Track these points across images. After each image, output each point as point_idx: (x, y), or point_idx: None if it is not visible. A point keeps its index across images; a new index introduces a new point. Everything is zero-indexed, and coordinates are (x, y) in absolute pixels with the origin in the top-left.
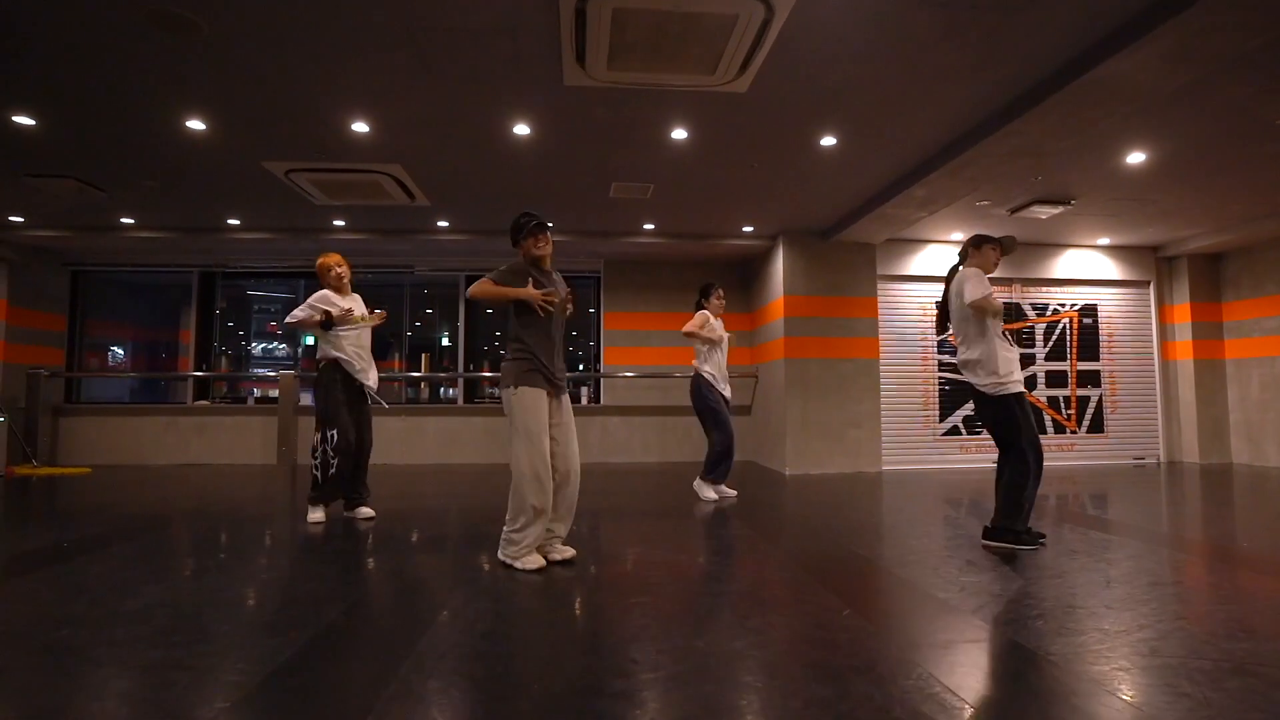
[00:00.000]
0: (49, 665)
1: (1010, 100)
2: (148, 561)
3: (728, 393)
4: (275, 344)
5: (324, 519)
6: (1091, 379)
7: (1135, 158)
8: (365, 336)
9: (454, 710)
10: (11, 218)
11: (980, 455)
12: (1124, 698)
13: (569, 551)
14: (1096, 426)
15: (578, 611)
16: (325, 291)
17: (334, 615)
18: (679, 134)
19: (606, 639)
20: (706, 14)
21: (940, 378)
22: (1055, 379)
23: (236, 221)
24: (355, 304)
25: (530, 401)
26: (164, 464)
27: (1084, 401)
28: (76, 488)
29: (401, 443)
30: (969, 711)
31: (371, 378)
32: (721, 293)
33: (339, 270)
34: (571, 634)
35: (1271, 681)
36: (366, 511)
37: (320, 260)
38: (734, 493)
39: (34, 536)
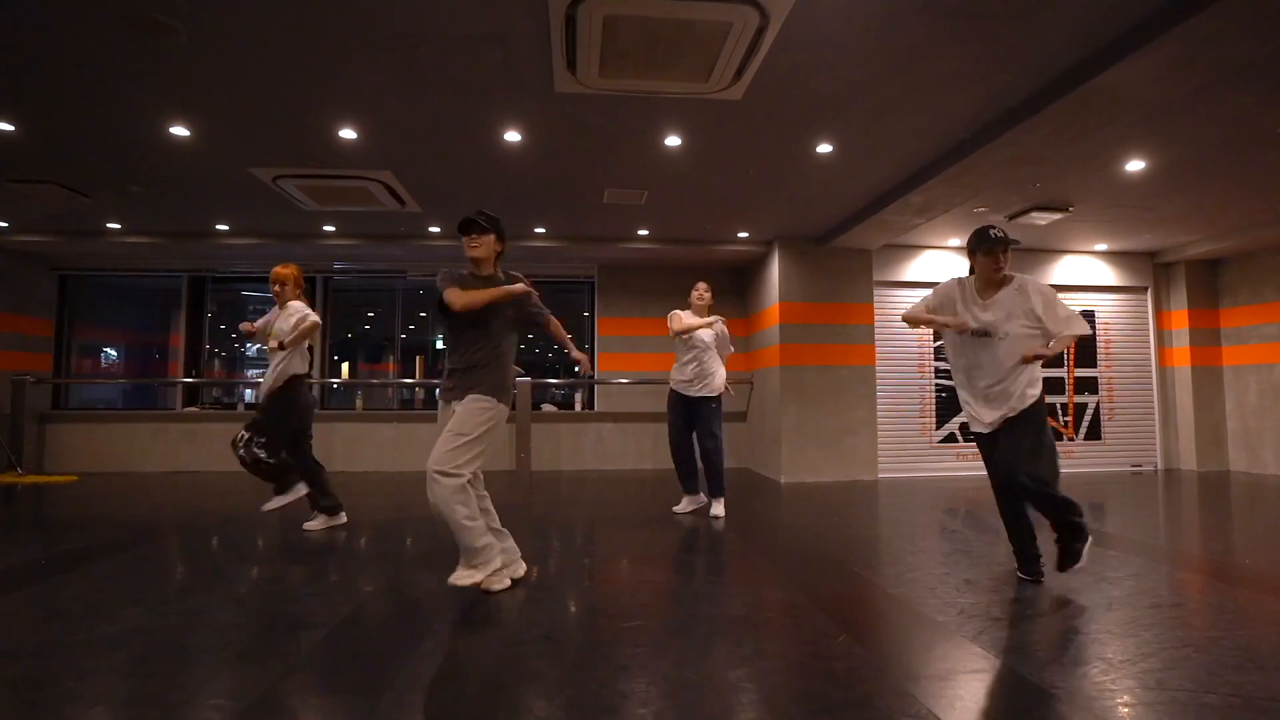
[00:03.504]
0: (15, 703)
1: (1010, 108)
2: (129, 580)
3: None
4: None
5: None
6: (1089, 386)
7: (1135, 165)
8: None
9: None
10: None
11: (977, 462)
12: (1085, 709)
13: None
14: (1094, 433)
15: (570, 631)
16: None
17: (320, 637)
18: (673, 140)
19: (597, 669)
20: (700, 21)
21: (937, 384)
22: (1052, 386)
23: (225, 227)
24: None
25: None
26: (153, 471)
27: (1081, 408)
28: (62, 497)
29: (394, 449)
30: None
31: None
32: (703, 288)
33: (276, 289)
34: (563, 655)
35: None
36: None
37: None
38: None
39: (13, 552)
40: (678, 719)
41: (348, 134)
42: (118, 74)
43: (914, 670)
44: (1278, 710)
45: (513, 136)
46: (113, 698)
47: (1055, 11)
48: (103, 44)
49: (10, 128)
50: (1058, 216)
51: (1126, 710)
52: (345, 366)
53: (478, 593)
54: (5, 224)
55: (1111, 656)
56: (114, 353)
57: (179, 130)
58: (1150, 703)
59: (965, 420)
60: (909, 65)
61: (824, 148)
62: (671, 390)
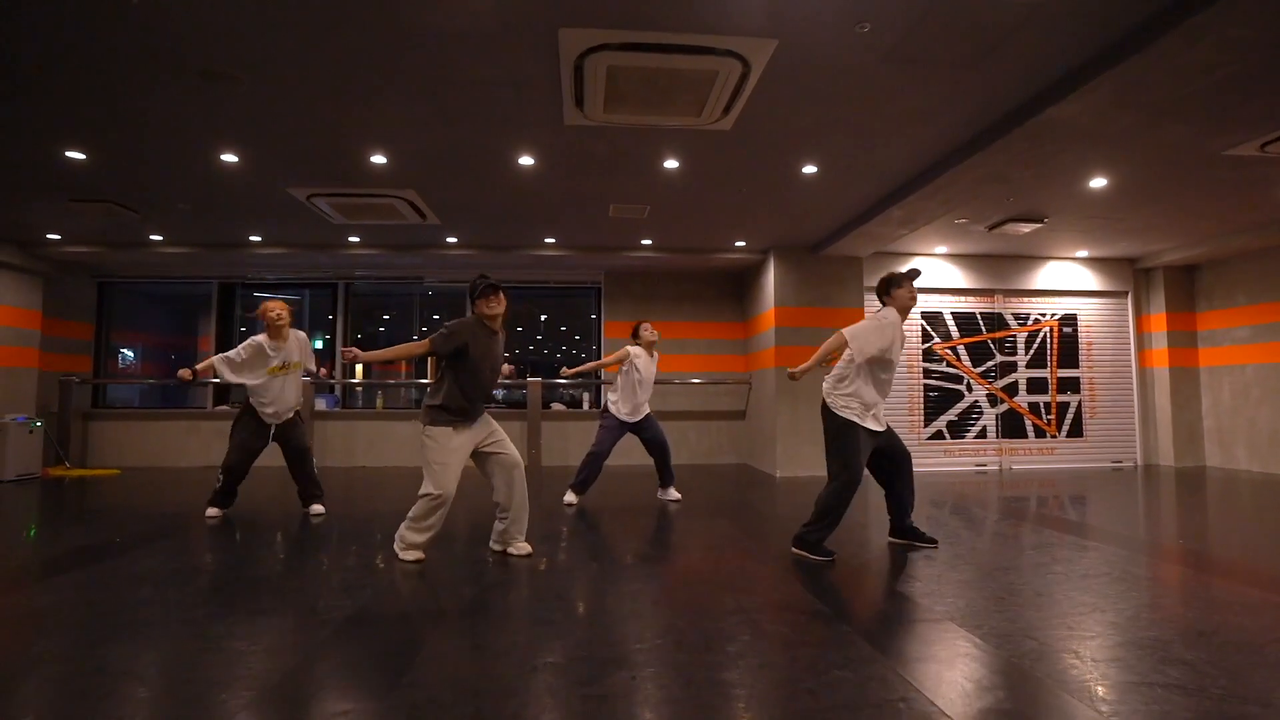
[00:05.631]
0: (147, 635)
1: (973, 136)
2: (193, 555)
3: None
4: None
5: (219, 514)
6: (1071, 385)
7: (1098, 182)
8: (283, 384)
9: (470, 667)
10: (49, 235)
11: (963, 459)
12: (998, 648)
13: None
14: (1076, 431)
15: (579, 593)
16: (256, 339)
17: (365, 599)
18: (671, 164)
19: (601, 619)
20: (690, 70)
21: (925, 384)
22: (1036, 385)
23: (258, 238)
24: (286, 352)
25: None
26: (188, 466)
27: (1064, 407)
28: (109, 489)
29: (410, 447)
30: (889, 665)
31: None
32: (650, 326)
33: (279, 316)
34: (573, 609)
35: (1149, 649)
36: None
37: (263, 305)
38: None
39: (84, 535)
40: (668, 650)
41: (378, 159)
42: (182, 113)
43: (860, 618)
44: (1147, 643)
45: (526, 161)
46: (218, 636)
47: (997, 61)
48: (174, 90)
49: (83, 156)
50: (1035, 227)
51: (1033, 644)
52: (360, 367)
53: (502, 563)
54: (58, 236)
55: (1036, 611)
56: (130, 353)
57: (229, 157)
58: (1050, 640)
59: (953, 419)
60: (876, 102)
61: (809, 169)
62: (616, 418)
